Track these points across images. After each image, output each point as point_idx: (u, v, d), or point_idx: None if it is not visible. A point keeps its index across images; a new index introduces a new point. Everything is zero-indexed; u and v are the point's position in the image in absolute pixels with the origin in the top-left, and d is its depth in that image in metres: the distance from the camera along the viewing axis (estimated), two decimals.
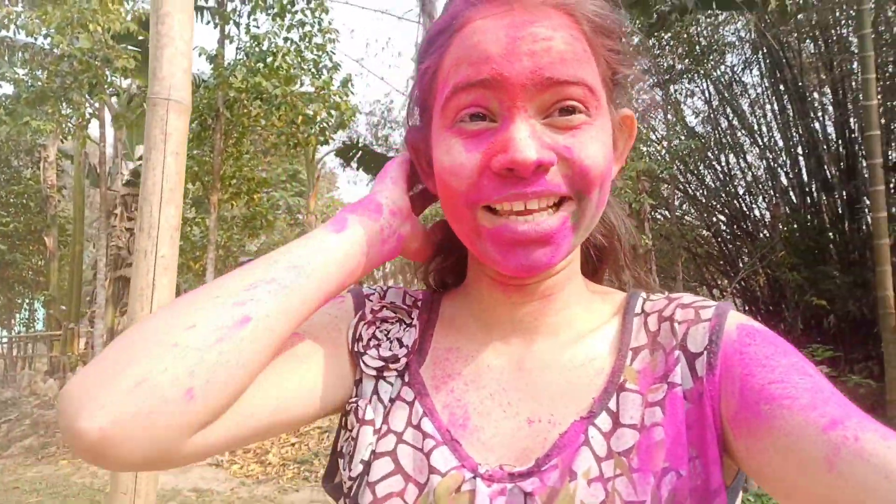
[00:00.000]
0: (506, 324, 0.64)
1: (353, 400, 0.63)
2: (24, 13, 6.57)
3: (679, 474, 0.51)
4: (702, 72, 12.28)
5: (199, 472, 6.88)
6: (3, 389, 11.47)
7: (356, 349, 0.63)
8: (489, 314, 0.65)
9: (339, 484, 0.63)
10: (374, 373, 0.63)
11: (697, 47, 11.78)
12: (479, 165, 0.54)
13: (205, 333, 0.49)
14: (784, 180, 12.85)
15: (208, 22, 8.44)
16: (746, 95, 13.10)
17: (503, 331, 0.64)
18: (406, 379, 0.63)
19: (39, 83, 6.92)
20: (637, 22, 10.60)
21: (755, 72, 12.82)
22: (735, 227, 13.64)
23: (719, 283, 14.32)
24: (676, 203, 13.93)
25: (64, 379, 11.06)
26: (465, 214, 0.56)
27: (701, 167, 13.35)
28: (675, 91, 12.79)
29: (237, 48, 8.28)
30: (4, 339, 14.40)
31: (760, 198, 13.71)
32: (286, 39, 8.20)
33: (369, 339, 0.64)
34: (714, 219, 13.98)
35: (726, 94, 12.87)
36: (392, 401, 0.62)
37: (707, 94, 13.13)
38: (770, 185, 13.23)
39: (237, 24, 8.34)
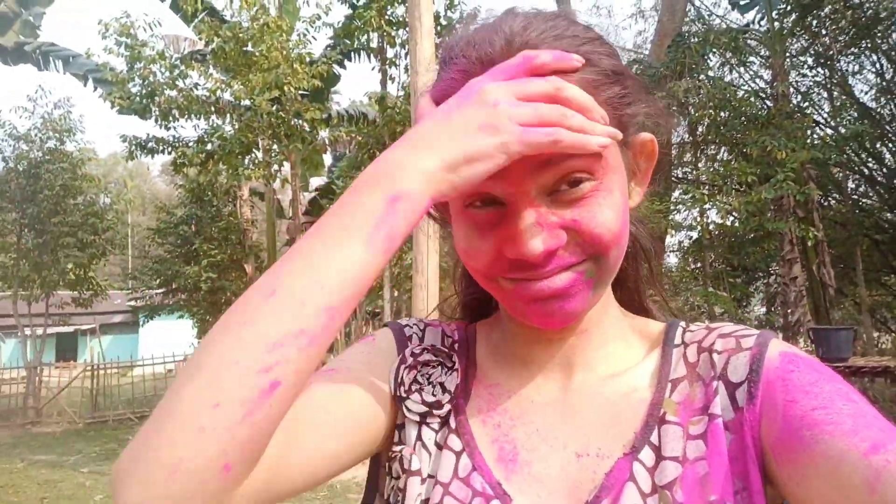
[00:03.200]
0: (544, 360, 0.64)
1: (398, 448, 0.62)
2: (232, 82, 8.03)
3: None
4: (869, 44, 11.33)
5: None
6: None
7: (399, 394, 0.62)
8: (526, 351, 0.65)
9: None
10: (417, 418, 0.62)
11: (862, 18, 10.88)
12: (492, 252, 0.55)
13: (231, 411, 0.44)
14: None
15: (373, 67, 9.55)
16: None
17: (542, 367, 0.64)
18: (453, 426, 0.62)
19: (245, 139, 8.38)
20: (789, 4, 10.16)
21: None
22: None
23: None
24: (852, 186, 12.93)
25: None
26: (486, 284, 0.59)
27: (878, 145, 12.26)
28: (841, 68, 11.91)
29: (399, 86, 9.28)
30: None
31: None
32: None
33: (411, 384, 0.63)
34: None
35: None
36: (438, 447, 0.61)
37: (879, 67, 12.05)
38: None
39: (396, 66, 9.34)
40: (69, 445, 10.79)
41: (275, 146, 8.65)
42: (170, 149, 9.49)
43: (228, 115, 9.12)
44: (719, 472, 0.52)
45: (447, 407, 0.62)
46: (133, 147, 9.42)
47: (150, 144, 9.46)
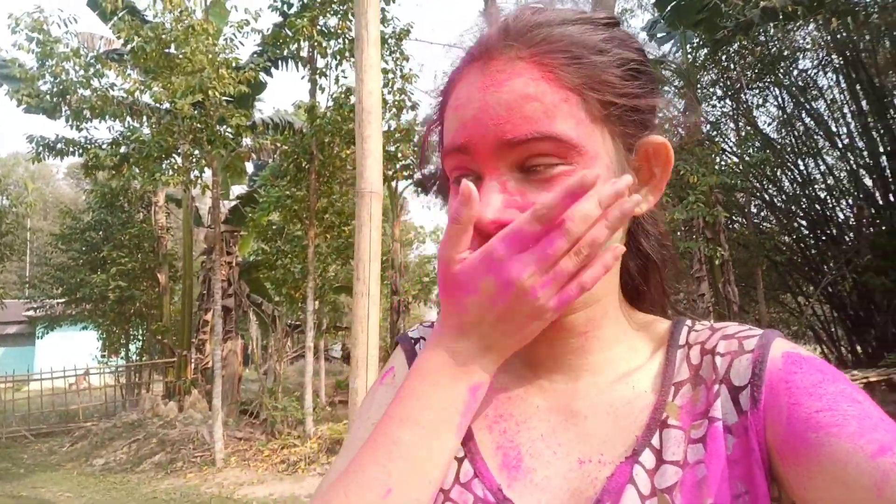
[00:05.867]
0: (548, 362, 0.63)
1: None
2: (152, 84, 7.69)
3: None
4: (772, 79, 12.21)
5: (313, 481, 7.58)
6: (128, 412, 12.66)
7: None
8: (530, 352, 0.63)
9: None
10: None
11: (767, 55, 11.74)
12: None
13: None
14: (868, 182, 12.52)
15: (303, 77, 9.41)
16: (823, 98, 12.88)
17: (546, 369, 0.64)
18: None
19: (164, 143, 8.04)
20: (702, 39, 10.82)
21: (830, 74, 12.64)
22: (818, 231, 13.36)
23: (804, 289, 14.04)
24: (754, 210, 13.82)
25: (181, 402, 12.17)
26: None
27: (778, 172, 13.21)
28: (747, 100, 12.77)
29: (328, 96, 9.19)
30: (122, 367, 15.60)
31: (843, 201, 13.40)
32: None
33: None
34: (795, 224, 13.76)
35: (801, 99, 12.73)
36: None
37: (781, 101, 13.02)
38: (853, 187, 12.92)
39: (326, 76, 9.26)
40: None
41: (196, 151, 8.33)
42: (80, 151, 8.96)
43: (146, 118, 8.73)
44: (717, 475, 0.52)
45: None
46: (40, 148, 8.84)
47: (58, 146, 8.91)
